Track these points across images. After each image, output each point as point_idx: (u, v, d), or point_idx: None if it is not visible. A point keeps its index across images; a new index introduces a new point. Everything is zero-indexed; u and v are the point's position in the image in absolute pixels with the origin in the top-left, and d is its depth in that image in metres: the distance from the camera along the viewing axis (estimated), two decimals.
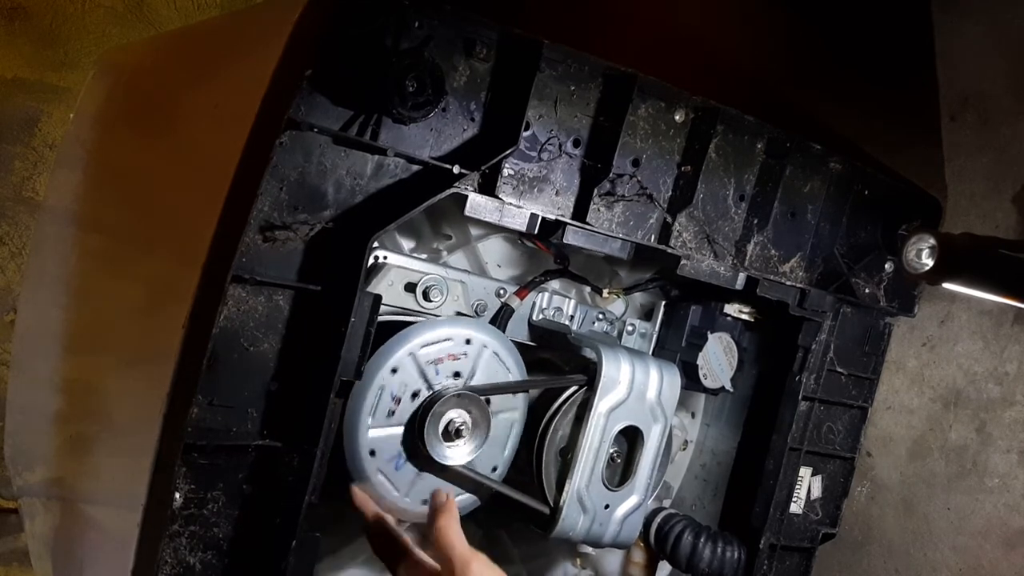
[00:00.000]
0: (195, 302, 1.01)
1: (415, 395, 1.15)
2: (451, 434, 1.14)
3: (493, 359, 1.21)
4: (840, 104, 1.71)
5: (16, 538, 2.50)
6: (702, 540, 1.37)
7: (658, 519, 1.42)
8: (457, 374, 1.18)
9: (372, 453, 1.13)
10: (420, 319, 1.20)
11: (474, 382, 1.19)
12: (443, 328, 1.17)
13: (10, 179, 2.56)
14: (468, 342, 1.18)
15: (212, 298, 0.97)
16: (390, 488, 1.16)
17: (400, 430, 1.15)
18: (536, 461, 1.25)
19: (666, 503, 1.63)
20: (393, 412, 1.14)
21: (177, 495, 0.97)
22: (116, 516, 1.19)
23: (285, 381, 1.02)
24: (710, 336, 1.42)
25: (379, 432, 1.13)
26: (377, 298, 1.05)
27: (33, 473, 1.68)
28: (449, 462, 1.14)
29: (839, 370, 1.44)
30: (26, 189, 2.58)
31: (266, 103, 1.02)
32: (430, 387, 1.16)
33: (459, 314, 1.25)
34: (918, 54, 1.67)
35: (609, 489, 1.25)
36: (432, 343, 1.15)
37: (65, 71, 2.57)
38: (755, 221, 1.31)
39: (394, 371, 1.13)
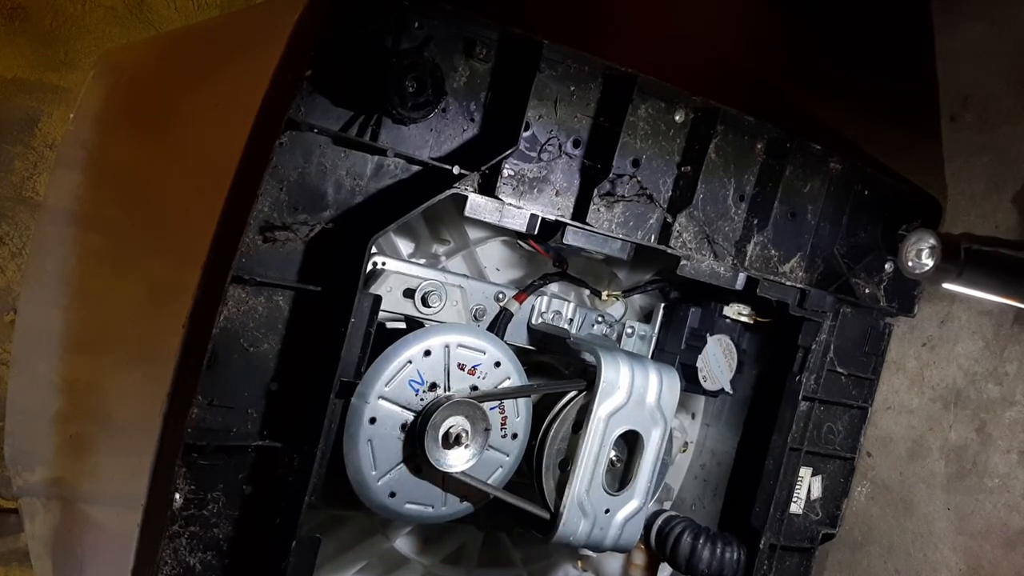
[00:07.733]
0: (195, 302, 1.01)
1: (433, 386, 1.15)
2: (451, 441, 1.13)
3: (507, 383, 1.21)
4: (840, 104, 1.71)
5: (16, 538, 2.50)
6: (701, 541, 1.37)
7: (658, 521, 1.41)
8: (474, 388, 1.18)
9: (372, 421, 1.11)
10: (431, 323, 1.20)
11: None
12: (484, 340, 1.18)
13: (10, 179, 2.56)
14: (497, 364, 1.19)
15: (212, 298, 0.97)
16: (368, 461, 1.13)
17: (404, 414, 1.14)
18: (536, 466, 1.25)
19: (667, 505, 1.63)
20: (410, 389, 1.14)
21: (177, 496, 0.97)
22: (116, 516, 1.18)
23: (285, 381, 1.02)
24: (709, 338, 1.42)
25: (387, 405, 1.12)
26: (377, 299, 1.05)
27: (33, 473, 1.68)
28: (449, 469, 1.13)
29: (839, 370, 1.44)
30: (26, 189, 2.58)
31: (266, 103, 1.02)
32: (447, 387, 1.16)
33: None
34: (918, 54, 1.67)
35: (609, 494, 1.25)
36: (470, 347, 1.17)
37: (65, 71, 2.57)
38: (755, 221, 1.30)
39: (427, 353, 1.14)
